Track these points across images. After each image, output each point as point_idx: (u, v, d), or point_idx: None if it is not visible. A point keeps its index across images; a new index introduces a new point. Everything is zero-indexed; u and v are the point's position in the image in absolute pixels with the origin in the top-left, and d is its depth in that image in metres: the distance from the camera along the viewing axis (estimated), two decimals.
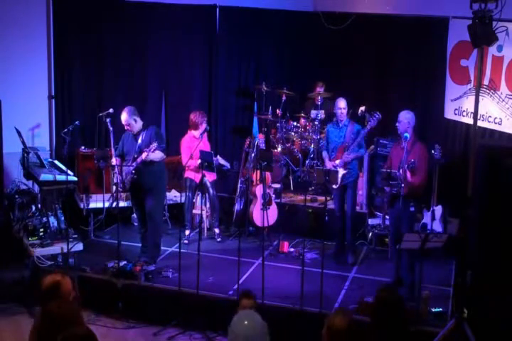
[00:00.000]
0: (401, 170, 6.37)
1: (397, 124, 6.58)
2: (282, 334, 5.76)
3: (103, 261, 6.96)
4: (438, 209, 7.28)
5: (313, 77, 9.41)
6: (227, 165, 8.29)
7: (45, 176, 7.18)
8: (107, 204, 7.94)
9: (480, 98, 5.81)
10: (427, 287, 6.29)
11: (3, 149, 7.48)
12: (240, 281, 6.41)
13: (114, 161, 7.08)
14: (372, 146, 8.24)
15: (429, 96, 8.72)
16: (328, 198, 7.61)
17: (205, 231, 8.24)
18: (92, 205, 7.96)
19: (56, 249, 6.83)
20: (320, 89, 9.17)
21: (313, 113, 9.10)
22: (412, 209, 6.43)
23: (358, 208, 7.81)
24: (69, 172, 7.14)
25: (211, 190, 7.98)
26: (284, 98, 9.27)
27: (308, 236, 7.68)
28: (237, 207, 8.49)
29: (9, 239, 7.25)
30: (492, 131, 7.60)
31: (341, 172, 7.15)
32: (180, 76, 9.36)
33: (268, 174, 8.06)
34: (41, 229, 6.93)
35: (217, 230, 8.15)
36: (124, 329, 6.35)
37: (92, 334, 3.34)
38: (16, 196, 7.62)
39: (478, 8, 5.18)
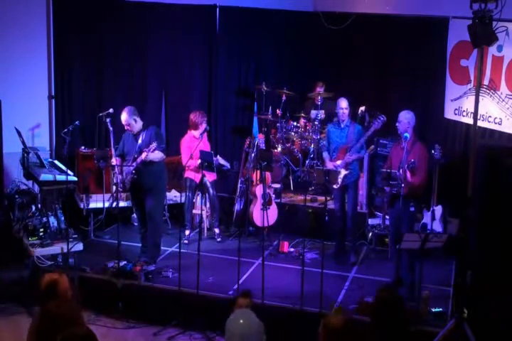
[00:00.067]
0: (401, 170, 6.37)
1: (397, 124, 6.58)
2: (282, 334, 5.79)
3: (103, 261, 6.96)
4: (438, 209, 7.28)
5: (313, 77, 9.40)
6: (227, 165, 8.29)
7: (45, 176, 7.18)
8: (107, 204, 7.94)
9: (480, 98, 5.81)
10: (427, 287, 6.29)
11: (3, 149, 7.48)
12: (240, 281, 6.42)
13: (114, 161, 7.08)
14: (372, 146, 8.24)
15: (429, 96, 8.72)
16: (328, 198, 7.60)
17: (205, 231, 8.24)
18: (92, 205, 7.96)
19: (56, 248, 6.83)
20: (320, 89, 9.16)
21: (313, 113, 9.10)
22: (412, 209, 6.43)
23: (358, 208, 7.80)
24: (69, 172, 7.14)
25: (211, 190, 7.98)
26: (284, 98, 9.26)
27: (308, 236, 7.68)
28: (237, 207, 8.49)
29: (9, 239, 7.25)
30: (492, 131, 7.60)
31: (343, 172, 7.15)
32: (180, 76, 9.36)
33: (268, 174, 8.06)
34: (41, 229, 6.93)
35: (217, 230, 8.14)
36: (124, 329, 6.35)
37: (92, 334, 3.34)
38: (16, 196, 7.62)
39: (478, 8, 5.18)
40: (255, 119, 8.89)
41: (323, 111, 9.16)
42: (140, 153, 6.76)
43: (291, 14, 9.54)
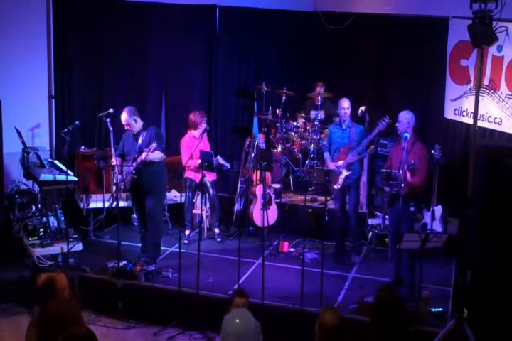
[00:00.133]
0: (401, 171, 6.37)
1: (397, 124, 6.58)
2: (282, 334, 5.80)
3: (103, 261, 6.96)
4: (438, 209, 7.28)
5: (313, 77, 9.40)
6: (227, 165, 8.28)
7: (45, 176, 7.17)
8: (107, 204, 7.94)
9: (480, 98, 5.81)
10: (427, 287, 6.29)
11: (3, 149, 7.48)
12: (240, 281, 6.42)
13: (114, 161, 7.08)
14: (372, 146, 8.23)
15: (429, 96, 8.72)
16: (328, 198, 7.60)
17: (205, 231, 8.24)
18: (92, 205, 7.96)
19: (56, 248, 6.83)
20: (320, 89, 9.16)
21: (313, 113, 9.10)
22: (412, 209, 6.43)
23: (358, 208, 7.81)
24: (69, 172, 7.14)
25: (211, 190, 7.98)
26: (284, 98, 9.26)
27: (308, 236, 7.68)
28: (237, 207, 8.49)
29: (9, 239, 7.25)
30: (492, 131, 7.60)
31: (345, 173, 7.15)
32: (180, 76, 9.36)
33: (268, 174, 8.06)
34: (41, 229, 6.93)
35: (217, 230, 8.14)
36: (124, 329, 6.35)
37: (92, 334, 3.34)
38: (16, 196, 7.62)
39: (478, 8, 5.18)
40: (255, 119, 8.89)
41: (322, 112, 9.16)
42: (140, 153, 6.76)
43: (291, 14, 9.54)
